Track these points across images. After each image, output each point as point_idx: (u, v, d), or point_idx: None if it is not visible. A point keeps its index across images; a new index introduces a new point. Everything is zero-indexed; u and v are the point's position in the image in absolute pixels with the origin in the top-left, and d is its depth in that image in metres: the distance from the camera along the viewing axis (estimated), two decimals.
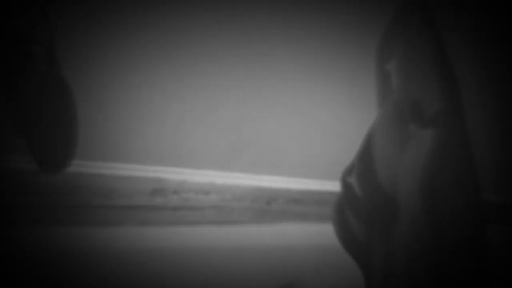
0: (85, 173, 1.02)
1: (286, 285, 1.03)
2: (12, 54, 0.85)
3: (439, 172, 0.63)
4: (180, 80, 1.10)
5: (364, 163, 0.70)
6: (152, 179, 1.08)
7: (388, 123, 0.70)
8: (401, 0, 0.71)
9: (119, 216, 1.05)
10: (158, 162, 1.09)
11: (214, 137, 1.13)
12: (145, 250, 1.02)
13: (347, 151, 0.74)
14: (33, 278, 0.93)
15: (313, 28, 1.16)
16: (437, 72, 0.65)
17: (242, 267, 1.06)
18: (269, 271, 1.07)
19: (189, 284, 1.02)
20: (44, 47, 0.87)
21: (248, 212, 1.16)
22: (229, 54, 1.12)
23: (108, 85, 1.04)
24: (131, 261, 0.99)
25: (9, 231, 0.93)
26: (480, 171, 0.63)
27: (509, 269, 0.62)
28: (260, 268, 1.07)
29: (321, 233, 1.00)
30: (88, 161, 1.01)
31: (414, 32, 0.68)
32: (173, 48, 1.08)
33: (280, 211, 1.18)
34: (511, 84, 0.64)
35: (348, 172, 0.72)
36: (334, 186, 0.76)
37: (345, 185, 0.72)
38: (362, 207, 0.70)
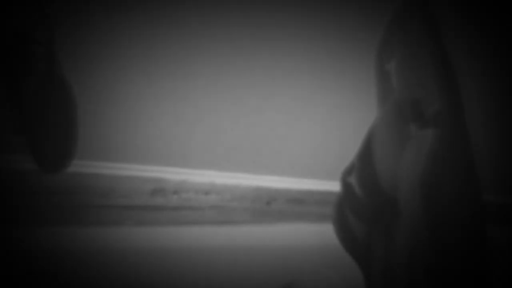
0: (84, 173, 1.02)
1: (286, 285, 1.03)
2: (12, 54, 0.85)
3: (439, 172, 0.63)
4: (180, 80, 1.10)
5: (364, 163, 0.70)
6: (152, 179, 1.08)
7: (388, 123, 0.70)
8: (401, 0, 0.71)
9: (119, 216, 1.05)
10: (158, 162, 1.09)
11: (214, 137, 1.13)
12: (145, 250, 1.02)
13: (347, 151, 0.74)
14: (33, 278, 0.93)
15: (313, 28, 1.16)
16: (437, 72, 0.65)
17: (242, 267, 1.06)
18: (269, 271, 1.07)
19: (189, 284, 1.02)
20: (44, 47, 0.87)
21: (248, 212, 1.15)
22: (229, 53, 1.12)
23: (108, 85, 1.04)
24: (131, 261, 0.99)
25: (9, 231, 0.93)
26: (480, 172, 0.63)
27: (509, 269, 0.62)
28: (260, 268, 1.07)
29: (321, 233, 1.00)
30: (88, 161, 1.01)
31: (414, 32, 0.68)
32: (173, 48, 1.09)
33: (280, 211, 1.18)
34: (511, 84, 0.64)
35: (348, 172, 0.72)
36: (334, 186, 0.76)
37: (345, 185, 0.72)
38: (362, 207, 0.70)
